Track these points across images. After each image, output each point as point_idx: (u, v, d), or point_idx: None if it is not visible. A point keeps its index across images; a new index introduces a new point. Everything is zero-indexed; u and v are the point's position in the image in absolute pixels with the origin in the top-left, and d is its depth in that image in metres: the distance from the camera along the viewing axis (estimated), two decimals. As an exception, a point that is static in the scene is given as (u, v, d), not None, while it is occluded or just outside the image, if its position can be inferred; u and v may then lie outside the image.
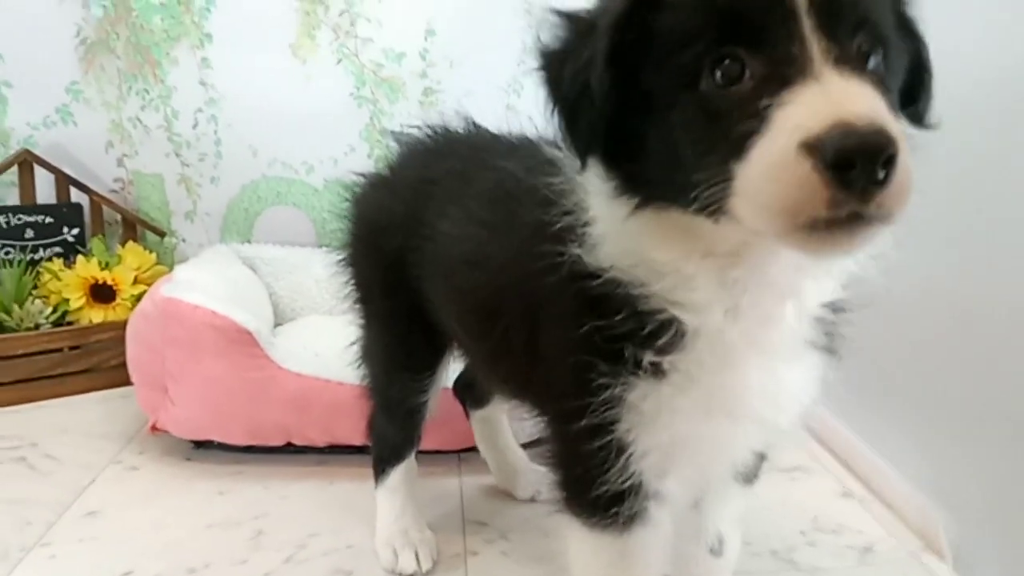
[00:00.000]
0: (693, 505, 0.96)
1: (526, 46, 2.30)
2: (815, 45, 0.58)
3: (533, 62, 0.74)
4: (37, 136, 2.12)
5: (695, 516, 0.98)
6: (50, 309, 1.93)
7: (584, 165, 0.71)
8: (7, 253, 2.00)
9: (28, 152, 2.05)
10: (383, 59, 2.23)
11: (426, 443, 1.33)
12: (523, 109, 2.27)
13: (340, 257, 1.27)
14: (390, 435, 1.29)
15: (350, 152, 2.27)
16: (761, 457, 0.95)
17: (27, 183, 2.05)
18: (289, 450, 1.59)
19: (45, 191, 2.08)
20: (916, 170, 0.57)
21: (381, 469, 1.30)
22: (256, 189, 2.27)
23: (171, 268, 1.93)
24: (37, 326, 1.90)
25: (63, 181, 2.08)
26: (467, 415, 1.49)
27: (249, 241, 2.26)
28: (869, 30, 0.62)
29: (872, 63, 0.63)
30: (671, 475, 0.81)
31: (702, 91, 0.61)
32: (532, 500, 1.45)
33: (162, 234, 2.22)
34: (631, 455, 0.77)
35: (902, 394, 1.40)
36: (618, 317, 0.74)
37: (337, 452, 1.58)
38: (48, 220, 2.05)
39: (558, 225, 0.78)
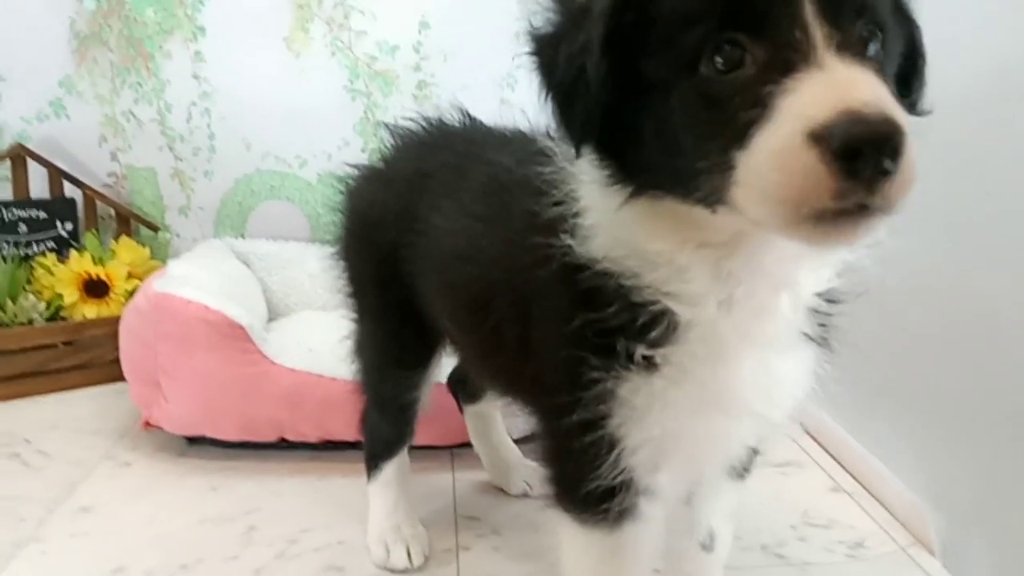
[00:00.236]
0: (685, 500, 0.96)
1: (519, 36, 2.29)
2: (817, 31, 0.56)
3: (525, 47, 0.72)
4: (30, 130, 2.11)
5: (686, 511, 0.98)
6: (44, 304, 1.93)
7: (579, 153, 0.70)
8: (0, 248, 1.99)
9: (21, 146, 2.04)
10: (377, 52, 2.23)
11: (419, 438, 1.33)
12: (517, 102, 2.28)
13: (333, 251, 1.26)
14: (383, 431, 1.29)
15: (344, 146, 2.27)
16: (754, 452, 0.95)
17: (20, 177, 2.05)
18: (282, 446, 1.59)
19: (38, 185, 2.07)
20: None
21: (374, 465, 1.30)
22: (250, 183, 2.26)
23: (165, 263, 1.92)
24: (30, 321, 1.90)
25: (56, 175, 2.07)
26: (460, 410, 1.49)
27: (243, 236, 2.25)
28: (870, 16, 0.61)
29: (872, 50, 0.62)
30: (663, 470, 0.80)
31: (702, 76, 0.60)
32: (525, 496, 1.45)
33: (156, 228, 2.21)
34: (622, 450, 0.76)
35: (894, 391, 1.40)
36: (610, 310, 0.73)
37: (330, 448, 1.58)
38: (41, 215, 2.05)
39: (549, 216, 0.78)
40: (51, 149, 2.11)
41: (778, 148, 0.54)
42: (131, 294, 1.82)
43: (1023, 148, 1.07)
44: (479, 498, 1.46)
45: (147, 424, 1.59)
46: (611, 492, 0.80)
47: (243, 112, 2.20)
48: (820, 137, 0.51)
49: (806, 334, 0.78)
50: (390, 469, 1.29)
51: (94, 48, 2.11)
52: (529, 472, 1.45)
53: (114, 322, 1.69)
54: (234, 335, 1.52)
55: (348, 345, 1.29)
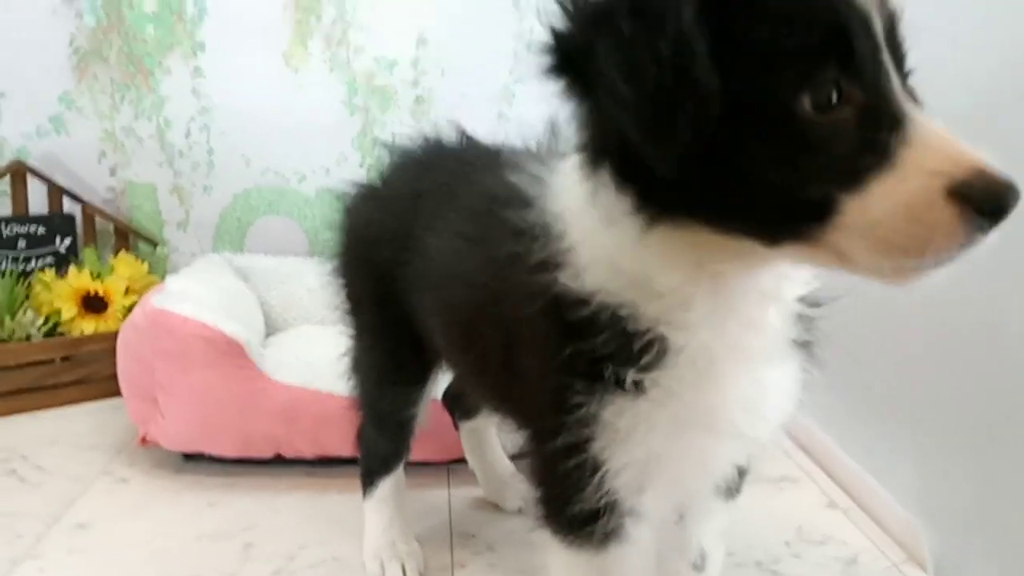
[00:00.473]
0: (676, 520, 0.96)
1: (518, 55, 2.33)
2: (893, 76, 0.59)
3: (548, 54, 0.63)
4: (30, 146, 2.11)
5: (678, 531, 0.98)
6: (42, 320, 1.93)
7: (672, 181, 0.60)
8: (-1, 263, 2.00)
9: (20, 162, 2.05)
10: (375, 68, 2.24)
11: (415, 454, 1.33)
12: (514, 117, 2.29)
13: (332, 268, 1.27)
14: (379, 447, 1.29)
15: (342, 161, 2.28)
16: (742, 471, 0.95)
17: (19, 193, 2.06)
18: (278, 462, 1.59)
19: (38, 201, 2.08)
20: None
21: (369, 481, 1.31)
22: (248, 198, 2.27)
23: (163, 278, 1.93)
24: (29, 337, 1.90)
25: (56, 191, 2.08)
26: (456, 426, 1.50)
27: (242, 250, 2.26)
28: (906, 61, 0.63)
29: None
30: (648, 491, 0.80)
31: (796, 112, 0.57)
32: (520, 512, 1.45)
33: (155, 244, 2.23)
34: (606, 472, 0.76)
35: (887, 406, 1.40)
36: (600, 339, 0.73)
37: (326, 464, 1.58)
38: (40, 230, 2.05)
39: (536, 258, 0.76)
40: (50, 165, 2.11)
41: (914, 200, 0.56)
42: (129, 309, 1.82)
43: (1023, 149, 1.07)
44: (475, 514, 1.47)
45: (144, 441, 1.60)
46: (596, 514, 0.79)
47: (242, 127, 2.21)
48: (961, 195, 0.55)
49: (794, 341, 0.78)
50: (386, 485, 1.30)
51: (94, 64, 2.13)
52: (524, 488, 1.45)
53: (112, 338, 1.69)
54: (231, 351, 1.53)
55: (346, 361, 1.30)
